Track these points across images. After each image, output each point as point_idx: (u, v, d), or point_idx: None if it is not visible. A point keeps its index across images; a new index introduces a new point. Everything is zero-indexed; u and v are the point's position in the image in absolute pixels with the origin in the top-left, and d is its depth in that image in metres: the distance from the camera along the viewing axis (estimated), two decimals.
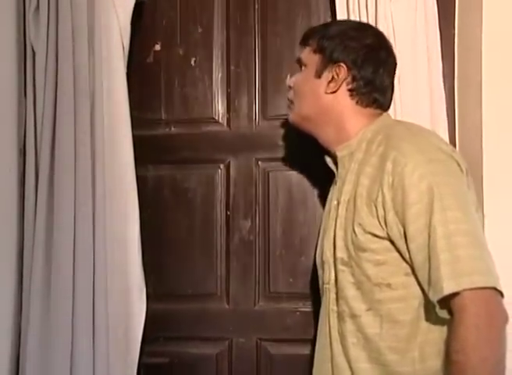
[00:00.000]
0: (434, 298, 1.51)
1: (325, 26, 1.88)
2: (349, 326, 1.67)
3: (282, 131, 2.22)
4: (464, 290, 1.46)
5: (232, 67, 2.26)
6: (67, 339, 1.97)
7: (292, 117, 1.85)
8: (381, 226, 1.60)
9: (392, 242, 1.60)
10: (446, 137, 2.13)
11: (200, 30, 2.27)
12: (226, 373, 2.23)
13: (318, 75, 1.77)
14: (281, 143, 2.23)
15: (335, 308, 1.71)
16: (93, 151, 2.04)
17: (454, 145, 2.18)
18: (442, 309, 1.51)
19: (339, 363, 1.68)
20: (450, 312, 1.50)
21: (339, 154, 1.77)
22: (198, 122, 2.27)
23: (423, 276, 1.55)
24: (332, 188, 1.84)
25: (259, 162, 2.24)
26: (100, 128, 2.06)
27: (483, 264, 1.51)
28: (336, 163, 1.81)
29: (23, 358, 2.00)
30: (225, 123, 2.27)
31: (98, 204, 2.03)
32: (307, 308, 2.19)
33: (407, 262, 1.59)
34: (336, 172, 1.81)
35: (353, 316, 1.66)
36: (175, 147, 2.28)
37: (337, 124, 1.77)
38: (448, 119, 2.18)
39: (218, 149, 2.26)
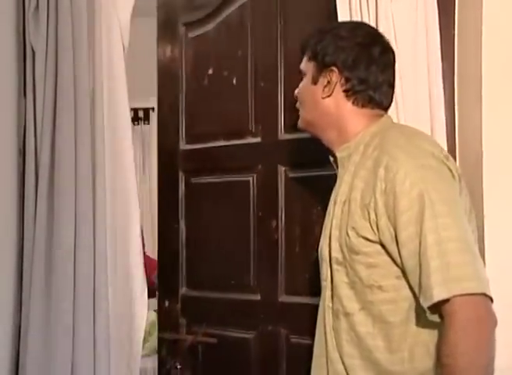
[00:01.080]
0: (424, 304, 1.55)
1: (320, 31, 1.92)
2: (343, 324, 1.74)
3: (302, 139, 2.40)
4: (454, 296, 1.50)
5: (261, 84, 2.52)
6: (68, 340, 1.97)
7: (299, 123, 1.94)
8: (373, 230, 1.65)
9: (383, 246, 1.65)
10: (443, 136, 2.15)
11: (239, 53, 2.57)
12: (259, 356, 2.51)
13: (314, 82, 1.84)
14: (301, 150, 2.42)
15: (330, 304, 1.79)
16: (93, 150, 2.05)
17: (454, 145, 2.18)
18: (433, 314, 1.56)
19: (334, 358, 1.75)
20: (441, 316, 1.55)
21: (338, 155, 1.84)
22: (239, 134, 2.57)
23: (414, 282, 1.59)
24: (334, 187, 1.90)
25: (283, 169, 2.46)
26: (100, 127, 2.06)
27: (473, 270, 1.53)
28: (336, 162, 1.88)
29: (23, 359, 1.99)
30: (257, 134, 2.53)
31: (99, 204, 2.04)
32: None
33: (398, 265, 1.64)
34: (337, 172, 1.88)
35: (347, 315, 1.73)
36: (222, 157, 2.62)
37: (338, 127, 1.82)
38: (448, 119, 2.19)
39: (253, 158, 2.54)
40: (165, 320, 2.73)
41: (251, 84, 2.54)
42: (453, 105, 2.20)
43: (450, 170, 1.65)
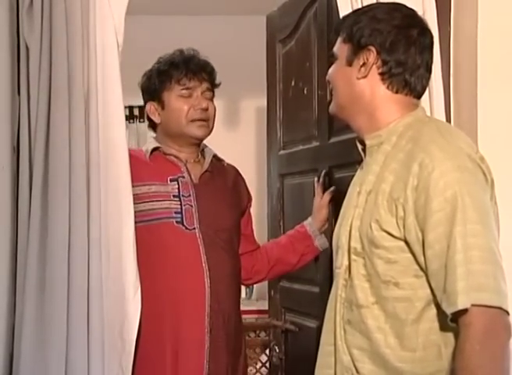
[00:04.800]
0: (447, 310, 1.54)
1: (355, 13, 1.88)
2: (353, 315, 1.71)
3: (347, 141, 2.55)
4: (472, 305, 1.49)
5: (319, 92, 2.71)
6: (62, 339, 1.96)
7: (330, 107, 1.89)
8: (398, 227, 1.62)
9: (407, 244, 1.63)
10: None
11: (307, 65, 2.79)
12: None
13: (349, 63, 1.77)
14: (345, 151, 2.55)
15: (343, 294, 1.76)
16: (87, 149, 2.03)
17: None
18: (452, 321, 1.55)
19: (341, 349, 1.74)
20: (458, 323, 1.54)
21: (368, 142, 1.78)
22: (308, 139, 2.80)
23: (437, 284, 1.58)
24: (358, 172, 1.87)
25: (331, 169, 2.63)
26: (94, 126, 2.04)
27: (493, 282, 1.52)
28: (364, 150, 1.83)
29: (17, 359, 1.97)
30: (318, 139, 2.74)
31: (93, 203, 2.02)
32: None
33: (419, 264, 1.62)
34: (364, 158, 1.84)
35: (359, 307, 1.70)
36: (299, 160, 2.88)
37: (370, 112, 1.77)
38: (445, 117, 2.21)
39: (316, 160, 2.75)
40: (271, 308, 3.09)
41: (314, 93, 2.75)
42: (449, 103, 2.22)
43: (484, 174, 1.63)
